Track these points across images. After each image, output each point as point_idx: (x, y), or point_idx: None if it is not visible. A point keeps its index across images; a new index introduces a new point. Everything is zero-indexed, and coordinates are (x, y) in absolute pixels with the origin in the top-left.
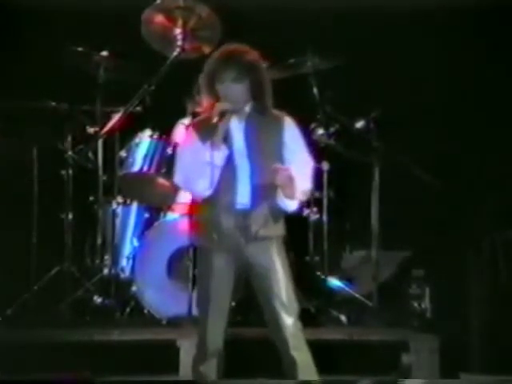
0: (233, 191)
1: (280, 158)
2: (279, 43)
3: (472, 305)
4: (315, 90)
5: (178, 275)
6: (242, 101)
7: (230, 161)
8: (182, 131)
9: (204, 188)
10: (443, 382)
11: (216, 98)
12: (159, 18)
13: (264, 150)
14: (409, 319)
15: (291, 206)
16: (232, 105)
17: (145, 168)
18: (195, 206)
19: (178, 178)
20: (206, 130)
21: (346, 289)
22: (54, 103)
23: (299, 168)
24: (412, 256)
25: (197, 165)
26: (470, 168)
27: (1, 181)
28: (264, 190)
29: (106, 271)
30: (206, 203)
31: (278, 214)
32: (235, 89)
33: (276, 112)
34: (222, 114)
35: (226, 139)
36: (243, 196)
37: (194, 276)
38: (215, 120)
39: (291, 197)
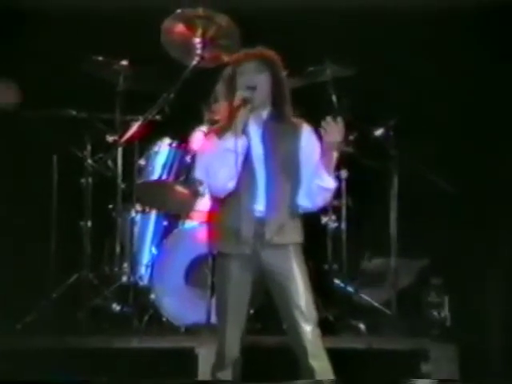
0: (250, 199)
1: (297, 166)
2: (297, 51)
3: (491, 313)
4: (334, 98)
5: (197, 283)
6: (263, 92)
7: (248, 167)
8: (200, 139)
9: (227, 177)
10: None
11: (232, 96)
12: (179, 28)
13: (281, 157)
14: (428, 328)
15: (330, 183)
16: (253, 94)
17: (164, 176)
18: (213, 214)
19: (198, 172)
20: (223, 131)
21: (365, 297)
22: (73, 112)
23: (317, 168)
24: (431, 264)
25: (218, 154)
26: (491, 175)
27: (22, 187)
28: (280, 197)
29: (124, 279)
30: (224, 210)
31: (295, 220)
32: (257, 79)
33: (295, 120)
34: (244, 102)
35: (247, 138)
36: (260, 204)
37: (212, 284)
38: (236, 105)
39: (330, 165)
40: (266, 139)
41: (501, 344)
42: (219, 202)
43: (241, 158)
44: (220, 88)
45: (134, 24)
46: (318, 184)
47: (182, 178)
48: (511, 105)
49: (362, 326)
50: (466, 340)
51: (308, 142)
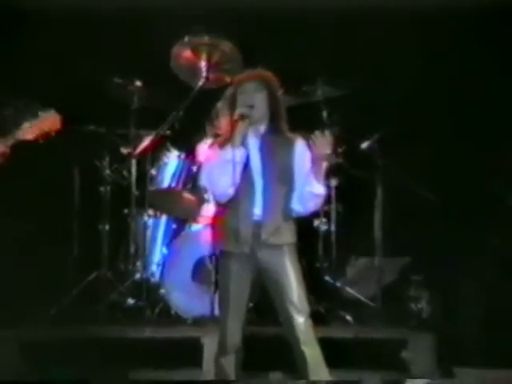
0: (249, 204)
1: (291, 175)
2: (293, 72)
3: (465, 306)
4: (325, 114)
5: (202, 279)
6: (260, 110)
7: (247, 175)
8: (204, 151)
9: (227, 185)
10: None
11: (233, 109)
12: (187, 53)
13: (276, 166)
14: (408, 319)
15: (320, 189)
16: (249, 114)
17: (173, 184)
18: (217, 218)
19: (203, 180)
20: (225, 144)
21: (352, 292)
22: (93, 127)
23: (308, 177)
24: (411, 262)
25: (219, 164)
26: (467, 186)
27: (48, 196)
28: (275, 202)
29: (137, 276)
30: (226, 215)
31: (289, 223)
32: (255, 98)
33: (290, 134)
34: (242, 117)
35: (246, 149)
36: (257, 208)
37: (216, 280)
38: (235, 119)
39: (320, 174)
40: (263, 151)
41: (473, 333)
42: (222, 207)
43: (239, 168)
44: (222, 105)
45: (147, 49)
46: (310, 190)
47: (188, 186)
48: (493, 119)
49: (349, 318)
50: (442, 330)
51: (301, 154)
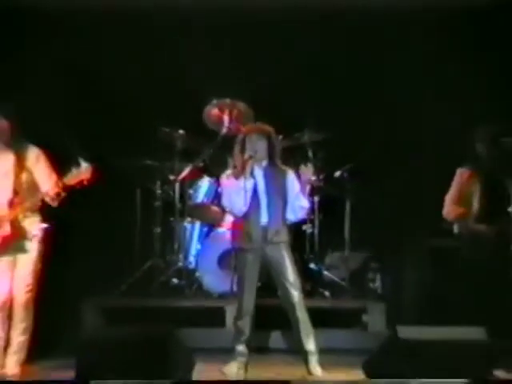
0: (258, 215)
1: (285, 194)
2: (288, 124)
3: (407, 286)
4: (310, 152)
5: (225, 266)
6: (261, 153)
7: (256, 196)
8: (226, 178)
9: (241, 205)
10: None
11: (244, 152)
12: (214, 111)
13: (275, 190)
14: (367, 294)
15: (305, 202)
16: (257, 156)
17: (204, 200)
18: (235, 224)
19: (224, 202)
20: (239, 176)
21: (329, 275)
22: (149, 161)
23: (297, 198)
24: (370, 256)
25: (235, 190)
26: (410, 197)
27: (119, 209)
28: (276, 214)
29: (179, 264)
30: (242, 222)
31: (285, 228)
32: (259, 144)
33: (284, 167)
34: (249, 157)
35: (254, 179)
36: (264, 217)
37: (234, 267)
38: (245, 159)
39: (305, 193)
40: (265, 179)
41: (412, 303)
42: (239, 217)
43: (250, 192)
44: (236, 148)
45: (188, 107)
46: (298, 204)
47: (215, 202)
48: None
49: (327, 293)
50: (390, 301)
51: (291, 180)
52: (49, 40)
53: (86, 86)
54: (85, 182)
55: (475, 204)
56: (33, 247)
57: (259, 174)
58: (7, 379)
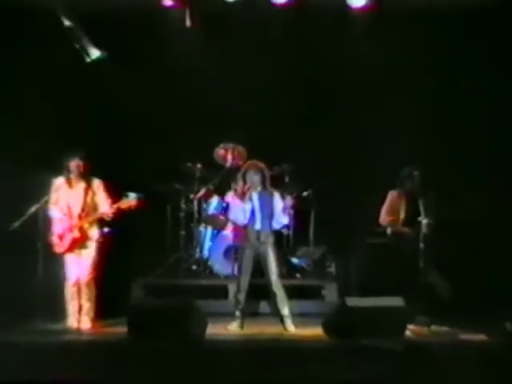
0: (254, 224)
1: (272, 211)
2: (268, 159)
3: (352, 272)
4: (286, 179)
5: (228, 257)
6: (257, 183)
7: (253, 212)
8: (230, 197)
9: (242, 220)
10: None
11: (245, 182)
12: (221, 151)
13: (266, 207)
14: (325, 276)
15: (285, 220)
16: (253, 184)
17: (214, 212)
18: (237, 229)
19: (231, 216)
20: (241, 197)
21: (300, 263)
22: (177, 185)
23: (280, 213)
24: (326, 250)
25: (239, 210)
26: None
27: (155, 219)
28: (266, 223)
29: (197, 255)
30: (243, 228)
31: (272, 232)
32: (255, 177)
33: (271, 190)
34: (249, 187)
35: (251, 200)
36: (258, 225)
37: (235, 258)
38: (246, 189)
39: (285, 214)
40: (260, 200)
41: (356, 282)
42: (241, 225)
43: (248, 212)
44: (238, 179)
45: (204, 146)
46: (281, 220)
47: (222, 213)
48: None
49: (298, 275)
50: (341, 280)
51: (277, 199)
52: (87, 87)
53: (136, 131)
54: (132, 208)
55: (401, 214)
56: (93, 245)
57: (255, 196)
58: (83, 332)
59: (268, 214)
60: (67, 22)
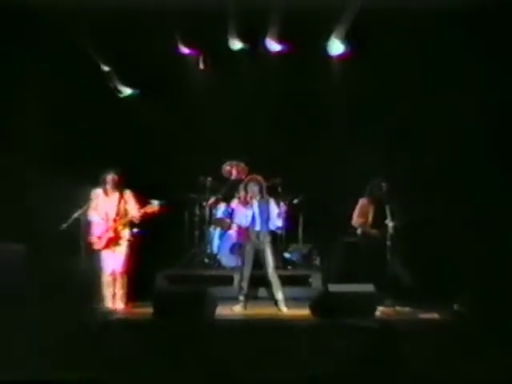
0: (254, 225)
1: (269, 215)
2: (264, 173)
3: (333, 263)
4: (279, 189)
5: (234, 252)
6: (256, 193)
7: (254, 216)
8: (235, 204)
9: (245, 223)
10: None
11: (247, 192)
12: (227, 167)
13: (264, 212)
14: (312, 268)
15: (279, 223)
16: (254, 194)
17: (222, 216)
18: (240, 230)
19: (236, 219)
20: (243, 204)
21: (291, 257)
22: (193, 195)
23: (275, 217)
24: (312, 246)
25: (242, 215)
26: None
27: (175, 225)
28: (264, 225)
29: (208, 251)
30: (245, 229)
31: (268, 232)
32: (254, 188)
33: (268, 198)
34: (251, 197)
35: (252, 207)
36: (258, 226)
37: (239, 253)
38: (248, 198)
39: (280, 218)
40: (259, 207)
41: (336, 272)
42: (244, 227)
43: (250, 216)
44: (241, 189)
45: (214, 165)
46: (276, 223)
47: (228, 217)
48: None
49: (289, 267)
50: (324, 270)
51: (273, 206)
52: (120, 117)
53: (160, 152)
54: (156, 213)
55: (370, 218)
56: (125, 244)
57: (255, 204)
58: (117, 314)
59: (266, 218)
60: (106, 68)
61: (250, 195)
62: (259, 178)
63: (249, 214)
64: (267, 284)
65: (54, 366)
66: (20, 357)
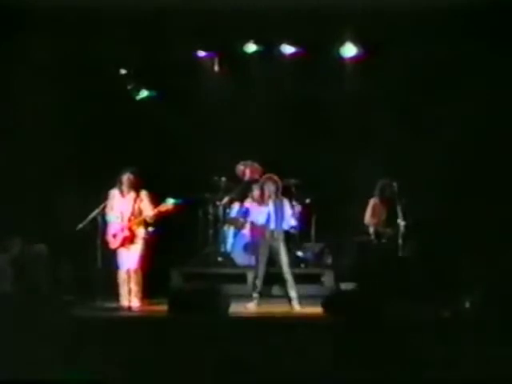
0: (269, 224)
1: (283, 215)
2: (279, 173)
3: (346, 262)
4: (293, 189)
5: (247, 251)
6: (272, 192)
7: (269, 214)
8: (249, 204)
9: (262, 221)
10: None
11: (263, 191)
12: (241, 168)
13: (279, 212)
14: (325, 266)
15: (293, 222)
16: (270, 193)
17: (235, 216)
18: (254, 228)
19: (252, 218)
20: (258, 203)
21: (304, 256)
22: (208, 194)
23: (290, 216)
24: (324, 246)
25: (259, 213)
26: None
27: (191, 223)
28: (280, 223)
29: (222, 249)
30: (260, 227)
31: (283, 231)
32: (271, 187)
33: (282, 197)
34: (268, 196)
35: (268, 206)
36: (272, 225)
37: (253, 251)
38: (266, 197)
39: (293, 217)
40: (274, 206)
41: (348, 271)
42: (259, 226)
43: (266, 214)
44: (256, 188)
45: (228, 166)
46: (290, 222)
47: (242, 216)
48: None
49: (302, 265)
50: (335, 269)
51: (287, 206)
52: (137, 119)
53: (177, 154)
54: (170, 211)
55: (382, 217)
56: (140, 242)
57: (271, 203)
58: (133, 310)
59: (280, 217)
60: (123, 70)
61: (266, 194)
62: (276, 177)
63: (264, 213)
64: (281, 282)
65: (67, 365)
66: (33, 357)
